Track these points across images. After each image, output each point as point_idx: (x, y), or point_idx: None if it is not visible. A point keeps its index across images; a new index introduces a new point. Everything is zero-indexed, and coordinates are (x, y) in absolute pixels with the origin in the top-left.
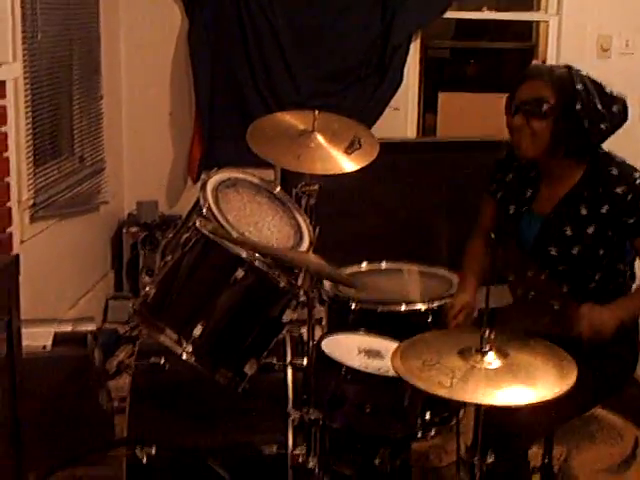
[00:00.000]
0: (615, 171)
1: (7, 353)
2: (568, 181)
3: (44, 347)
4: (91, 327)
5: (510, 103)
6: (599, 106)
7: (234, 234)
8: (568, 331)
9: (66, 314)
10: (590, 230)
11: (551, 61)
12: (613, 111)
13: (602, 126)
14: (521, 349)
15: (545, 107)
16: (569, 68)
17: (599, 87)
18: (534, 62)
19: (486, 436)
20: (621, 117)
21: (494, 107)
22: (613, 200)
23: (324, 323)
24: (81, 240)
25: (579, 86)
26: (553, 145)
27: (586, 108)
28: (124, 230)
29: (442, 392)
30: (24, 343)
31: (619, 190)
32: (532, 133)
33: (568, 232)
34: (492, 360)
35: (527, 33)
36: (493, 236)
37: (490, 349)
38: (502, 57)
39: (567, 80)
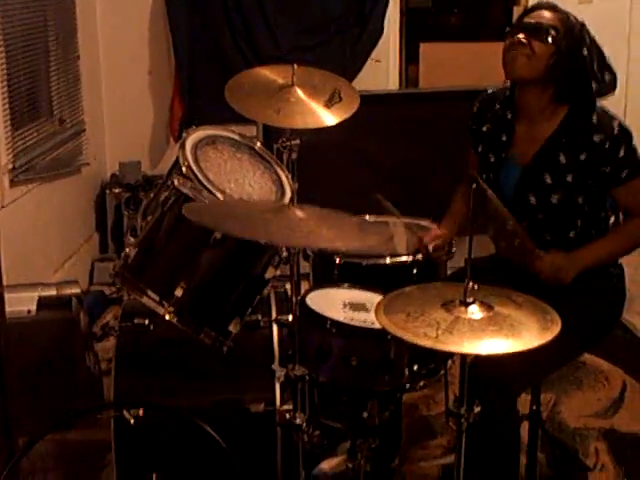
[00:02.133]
0: (594, 119)
1: None
2: (547, 125)
3: (28, 312)
4: (75, 290)
5: (512, 26)
6: (595, 66)
7: (215, 192)
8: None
9: (52, 278)
10: (569, 178)
11: None
12: (605, 78)
13: (592, 85)
14: (505, 302)
15: (552, 33)
16: (583, 24)
17: (601, 51)
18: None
19: (473, 387)
20: (609, 88)
21: (477, 56)
22: (591, 148)
23: (310, 278)
24: (64, 203)
25: (587, 39)
26: (547, 75)
27: (588, 59)
28: (107, 191)
29: (427, 343)
30: (8, 308)
31: (597, 139)
32: (531, 53)
33: (548, 180)
34: (476, 312)
35: None
36: (474, 186)
37: (474, 301)
38: (485, 6)
39: (577, 28)
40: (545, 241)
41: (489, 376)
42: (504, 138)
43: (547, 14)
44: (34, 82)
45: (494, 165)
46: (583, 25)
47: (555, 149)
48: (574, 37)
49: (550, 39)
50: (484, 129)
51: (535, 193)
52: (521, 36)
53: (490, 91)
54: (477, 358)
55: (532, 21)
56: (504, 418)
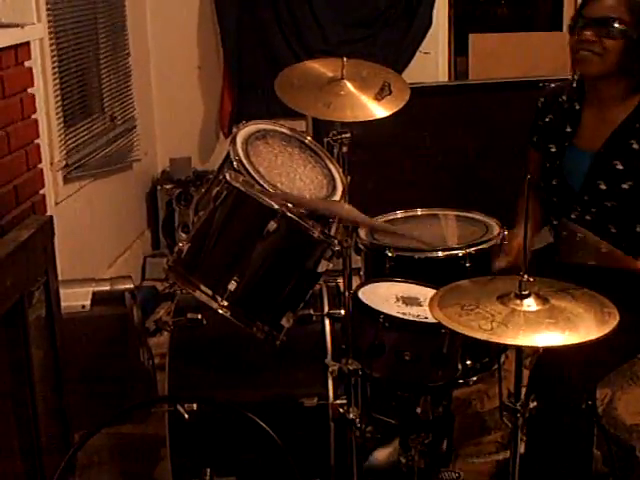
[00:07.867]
0: None
1: (46, 314)
2: (618, 111)
3: (83, 307)
4: (129, 285)
5: (576, 20)
6: None
7: (266, 186)
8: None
9: (105, 273)
10: None
11: None
12: None
13: None
14: (561, 295)
15: (620, 26)
16: None
17: None
18: None
19: (539, 386)
20: None
21: (526, 47)
22: None
23: (362, 273)
24: (116, 199)
25: None
26: (620, 67)
27: None
28: (158, 187)
29: (483, 336)
30: (63, 304)
31: None
32: (601, 50)
33: (619, 166)
34: (532, 304)
35: None
36: (529, 177)
37: (529, 294)
38: None
39: None
40: (610, 234)
41: (555, 375)
42: (569, 129)
43: (611, 2)
44: (85, 80)
45: (556, 154)
46: None
47: (627, 135)
48: None
49: (619, 33)
50: (547, 119)
51: (606, 180)
52: (589, 34)
53: (553, 85)
54: (541, 357)
55: (598, 15)
56: (572, 416)
